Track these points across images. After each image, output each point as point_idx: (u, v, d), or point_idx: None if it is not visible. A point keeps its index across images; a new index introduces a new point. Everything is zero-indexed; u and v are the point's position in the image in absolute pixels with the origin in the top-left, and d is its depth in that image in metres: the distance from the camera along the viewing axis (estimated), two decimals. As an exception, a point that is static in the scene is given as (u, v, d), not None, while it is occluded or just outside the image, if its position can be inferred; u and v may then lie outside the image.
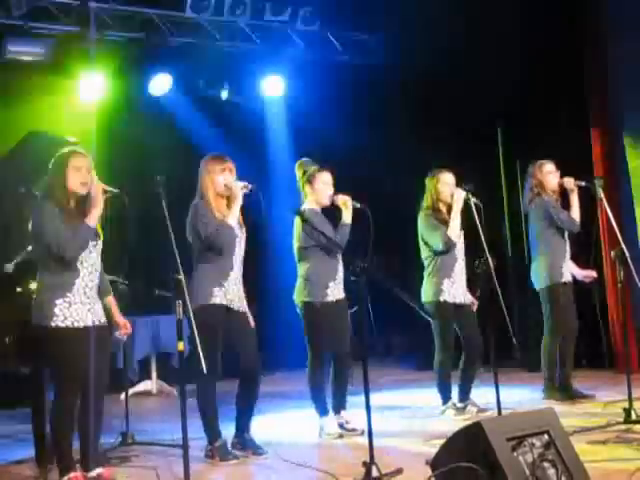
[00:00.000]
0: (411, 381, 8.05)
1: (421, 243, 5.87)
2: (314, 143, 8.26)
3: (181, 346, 3.95)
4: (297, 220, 5.27)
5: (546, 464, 3.29)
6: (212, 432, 4.81)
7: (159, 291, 7.18)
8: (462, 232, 5.80)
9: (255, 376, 4.88)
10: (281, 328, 8.51)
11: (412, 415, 6.04)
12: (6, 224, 6.90)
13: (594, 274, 6.39)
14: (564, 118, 7.66)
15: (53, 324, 4.13)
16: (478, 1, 7.65)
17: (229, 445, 4.85)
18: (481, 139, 8.22)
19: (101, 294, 4.45)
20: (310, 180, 5.40)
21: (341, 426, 5.33)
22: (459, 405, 5.75)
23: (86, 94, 8.45)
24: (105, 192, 4.27)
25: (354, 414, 5.31)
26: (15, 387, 6.32)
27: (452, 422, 5.38)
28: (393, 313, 8.13)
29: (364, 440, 4.16)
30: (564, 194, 6.18)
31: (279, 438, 5.29)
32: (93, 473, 4.26)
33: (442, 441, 3.51)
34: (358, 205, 5.33)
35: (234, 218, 4.78)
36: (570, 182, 6.04)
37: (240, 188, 4.78)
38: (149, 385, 8.06)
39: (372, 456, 4.01)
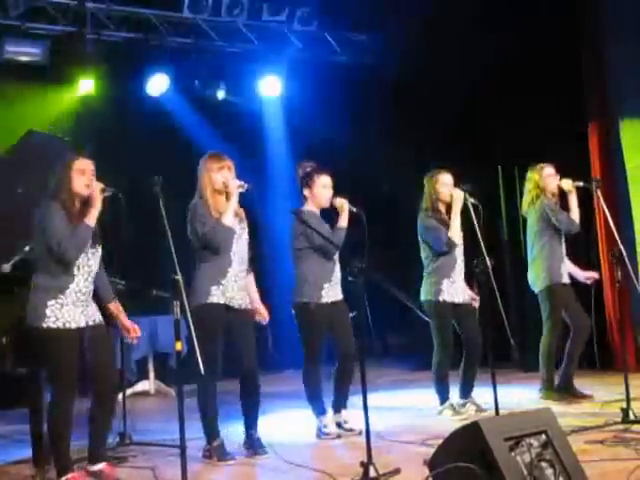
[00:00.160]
0: (409, 381, 8.05)
1: (421, 243, 5.87)
2: (311, 143, 8.27)
3: (179, 346, 3.95)
4: (293, 220, 5.28)
5: (544, 464, 3.29)
6: (211, 432, 4.81)
7: (157, 291, 7.17)
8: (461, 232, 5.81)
9: (253, 375, 4.88)
10: (287, 327, 8.56)
11: (410, 415, 6.04)
12: (3, 224, 6.90)
13: (595, 275, 6.39)
14: (561, 119, 7.66)
15: (45, 325, 4.18)
16: (476, 1, 7.65)
17: (239, 444, 4.86)
18: (480, 139, 8.21)
19: (104, 300, 4.51)
20: (309, 183, 5.40)
21: (339, 426, 5.34)
22: (459, 404, 5.75)
23: (83, 94, 8.47)
24: (103, 191, 4.29)
25: (352, 414, 5.31)
26: (12, 387, 6.31)
27: (450, 422, 5.38)
28: (391, 313, 8.15)
29: (362, 440, 4.16)
30: (563, 196, 6.18)
31: (278, 438, 5.28)
32: (95, 468, 4.32)
33: (440, 441, 3.51)
34: (354, 209, 5.33)
35: (230, 216, 4.78)
36: (568, 183, 6.06)
37: (236, 187, 4.79)
38: (147, 385, 8.05)
39: (370, 456, 4.02)
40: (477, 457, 3.21)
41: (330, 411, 5.39)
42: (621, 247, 5.43)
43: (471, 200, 5.53)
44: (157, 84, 8.58)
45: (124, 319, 4.59)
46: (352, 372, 5.39)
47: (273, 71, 9.12)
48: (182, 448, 3.79)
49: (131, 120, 8.47)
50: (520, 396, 6.35)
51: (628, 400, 5.00)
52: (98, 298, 4.52)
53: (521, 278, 8.17)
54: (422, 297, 5.82)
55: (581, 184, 6.04)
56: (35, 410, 4.65)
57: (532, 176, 6.20)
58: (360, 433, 4.96)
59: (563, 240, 6.14)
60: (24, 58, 7.68)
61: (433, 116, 8.30)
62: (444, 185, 5.79)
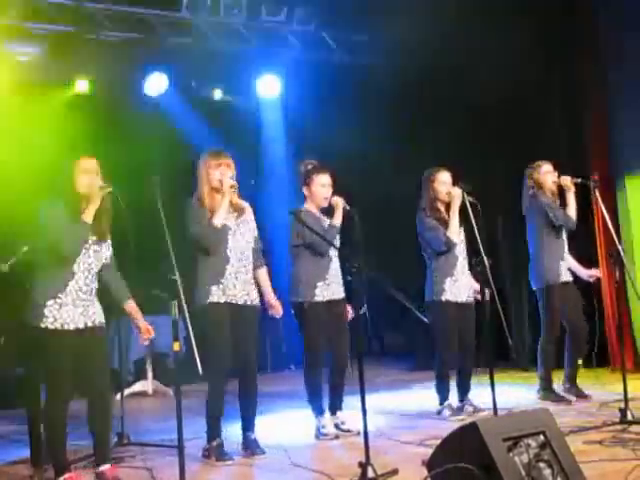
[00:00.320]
0: (407, 381, 8.04)
1: (421, 243, 5.87)
2: (310, 143, 8.27)
3: (177, 346, 3.95)
4: (291, 220, 5.28)
5: (542, 464, 3.29)
6: (211, 431, 4.82)
7: (155, 291, 7.17)
8: (462, 229, 5.80)
9: (250, 374, 4.88)
10: (287, 327, 8.56)
11: (408, 415, 6.03)
12: (3, 223, 6.90)
13: (598, 274, 6.37)
14: (560, 117, 7.66)
15: (43, 325, 4.19)
16: (475, 2, 7.65)
17: (237, 444, 4.86)
18: (479, 139, 8.21)
19: (118, 301, 4.52)
20: (308, 181, 5.41)
21: (337, 427, 5.34)
22: (456, 405, 5.75)
23: (82, 94, 8.47)
24: (101, 189, 4.30)
25: (350, 414, 5.31)
26: (10, 387, 6.31)
27: (448, 422, 5.38)
28: (389, 313, 8.15)
29: (360, 440, 4.16)
30: (562, 194, 6.18)
31: (276, 438, 5.28)
32: (98, 470, 4.34)
33: (438, 441, 3.51)
34: (347, 207, 5.33)
35: (220, 216, 4.77)
36: (567, 180, 6.05)
37: (229, 186, 4.79)
38: (145, 385, 8.05)
39: (368, 456, 4.01)
40: (475, 458, 3.21)
41: (327, 412, 5.39)
42: (619, 247, 5.42)
43: (469, 198, 5.51)
44: (155, 84, 8.58)
45: (139, 320, 4.56)
46: (345, 373, 5.39)
47: (272, 71, 9.12)
48: (180, 448, 3.79)
49: (129, 120, 8.47)
50: (518, 396, 6.35)
51: (626, 400, 5.00)
52: (113, 298, 4.53)
53: (519, 275, 8.21)
54: (426, 297, 5.81)
55: (579, 180, 6.04)
56: (33, 410, 4.65)
57: (530, 173, 6.20)
58: (358, 434, 4.96)
59: (564, 237, 6.11)
60: (23, 57, 7.67)
61: (432, 116, 8.30)
62: (442, 184, 5.79)
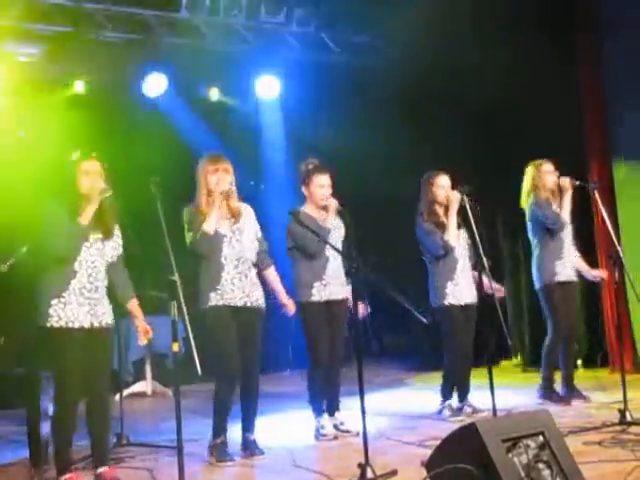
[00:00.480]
0: (406, 381, 8.05)
1: (421, 247, 5.88)
2: (309, 144, 8.27)
3: (176, 347, 3.94)
4: (290, 221, 5.29)
5: (541, 465, 3.29)
6: (216, 429, 4.83)
7: (154, 292, 7.17)
8: (463, 231, 5.80)
9: (252, 375, 4.88)
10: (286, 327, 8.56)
11: (407, 416, 6.03)
12: (2, 224, 6.89)
13: (603, 275, 6.34)
14: (560, 117, 7.66)
15: (48, 324, 4.21)
16: (474, 2, 7.65)
17: (234, 445, 4.86)
18: (478, 139, 8.22)
19: (121, 299, 4.52)
20: (307, 181, 5.41)
21: (336, 427, 5.34)
22: (456, 406, 5.75)
23: (81, 94, 8.46)
24: (101, 192, 4.29)
25: (349, 415, 5.31)
26: (10, 388, 6.30)
27: (447, 423, 5.38)
28: (388, 314, 8.15)
29: (359, 441, 4.15)
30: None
31: (275, 439, 5.29)
32: (97, 471, 4.34)
33: (437, 442, 3.51)
34: (339, 208, 5.35)
35: (211, 223, 4.77)
36: (565, 181, 6.04)
37: (219, 193, 4.78)
38: (144, 386, 8.05)
39: (367, 457, 4.01)
40: (474, 458, 3.21)
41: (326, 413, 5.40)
42: (618, 248, 5.42)
43: (468, 201, 5.49)
44: (154, 84, 8.57)
45: (139, 320, 4.55)
46: (339, 373, 5.39)
47: (271, 72, 9.12)
48: (179, 449, 3.79)
49: (128, 121, 8.46)
50: (518, 397, 6.35)
51: (625, 401, 5.00)
52: (117, 297, 4.53)
53: (518, 275, 8.23)
54: (430, 302, 5.84)
55: (577, 183, 6.03)
56: (32, 410, 4.65)
57: (530, 172, 6.20)
58: (357, 434, 4.96)
59: (562, 237, 6.08)
60: (22, 58, 7.67)
61: (432, 117, 8.30)
62: (441, 187, 5.79)
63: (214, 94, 9.31)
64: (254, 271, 4.97)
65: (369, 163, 8.99)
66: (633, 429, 4.78)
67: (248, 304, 4.87)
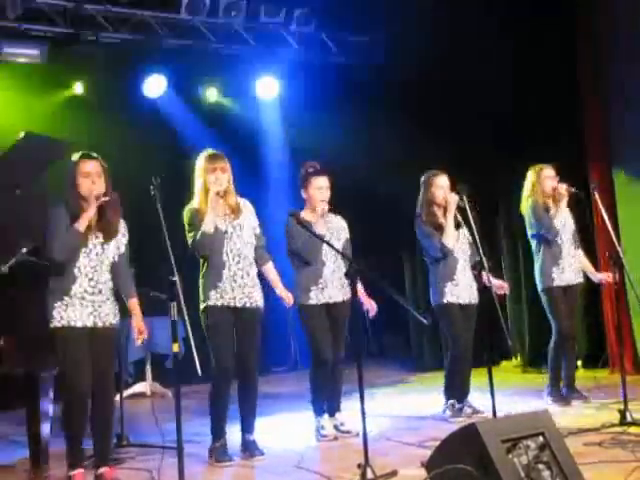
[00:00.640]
0: (406, 382, 8.05)
1: (421, 248, 5.90)
2: (309, 144, 8.26)
3: (176, 348, 3.95)
4: (289, 222, 5.29)
5: (541, 466, 3.29)
6: (215, 432, 4.84)
7: (154, 292, 7.16)
8: (462, 231, 5.80)
9: (250, 376, 4.89)
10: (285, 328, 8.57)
11: (407, 417, 6.03)
12: (2, 224, 6.88)
13: (609, 279, 6.30)
14: (559, 119, 7.66)
15: (52, 325, 4.27)
16: (474, 3, 7.66)
17: (234, 446, 4.87)
18: (478, 140, 8.22)
19: (123, 296, 4.51)
20: (305, 185, 5.42)
21: (336, 428, 5.34)
22: (456, 407, 5.75)
23: (81, 95, 8.47)
24: (97, 198, 4.29)
25: (348, 416, 5.31)
26: (9, 388, 6.29)
27: (447, 424, 5.38)
28: (387, 314, 8.12)
29: (359, 442, 4.15)
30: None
31: (275, 440, 5.29)
32: (97, 472, 4.36)
33: (437, 443, 3.51)
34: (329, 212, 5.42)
35: (209, 224, 4.78)
36: (562, 188, 6.03)
37: (214, 192, 4.79)
38: (144, 387, 8.04)
39: (367, 458, 4.01)
40: (474, 459, 3.21)
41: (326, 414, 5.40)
42: (619, 249, 5.42)
43: (466, 202, 5.47)
44: (154, 85, 8.58)
45: (136, 319, 4.53)
46: (341, 374, 5.40)
47: (270, 72, 9.12)
48: (179, 449, 3.79)
49: (128, 121, 8.46)
50: (518, 397, 6.35)
51: (626, 402, 5.00)
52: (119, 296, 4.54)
53: (518, 276, 8.22)
54: (431, 301, 5.85)
55: (573, 189, 6.02)
56: (32, 411, 4.65)
57: (529, 176, 6.19)
58: (357, 435, 4.96)
59: (563, 241, 6.08)
60: (22, 59, 7.67)
61: (432, 117, 8.30)
62: (440, 188, 5.78)
63: (213, 95, 9.31)
64: (255, 270, 4.97)
65: (369, 163, 8.98)
66: (633, 430, 4.78)
67: (247, 305, 4.87)
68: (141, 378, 8.11)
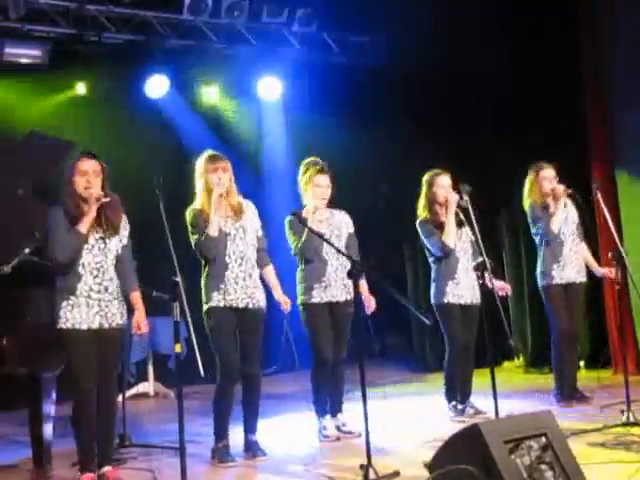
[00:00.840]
0: (408, 382, 8.04)
1: (424, 248, 5.90)
2: (311, 144, 8.25)
3: (178, 348, 3.95)
4: (289, 224, 5.30)
5: (543, 466, 3.29)
6: (217, 432, 4.84)
7: (156, 293, 7.16)
8: (465, 231, 5.79)
9: (253, 376, 4.88)
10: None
11: (410, 417, 6.03)
12: (4, 225, 6.88)
13: (611, 274, 6.30)
14: (561, 119, 7.66)
15: (58, 326, 4.27)
16: (474, 3, 7.65)
17: (236, 447, 4.86)
18: (480, 138, 8.22)
19: (125, 291, 4.48)
20: (306, 183, 5.41)
21: (338, 428, 5.34)
22: (459, 407, 5.75)
23: (83, 96, 8.47)
24: (97, 200, 4.28)
25: (351, 416, 5.31)
26: (12, 388, 6.30)
27: (450, 424, 5.38)
28: (389, 314, 8.13)
29: (361, 442, 4.15)
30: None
31: (277, 440, 5.29)
32: (100, 471, 4.36)
33: (439, 443, 3.51)
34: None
35: (213, 227, 4.77)
36: (559, 189, 6.01)
37: (218, 195, 4.78)
38: (146, 387, 8.04)
39: (369, 458, 4.01)
40: (477, 459, 3.21)
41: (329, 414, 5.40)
42: (621, 249, 5.41)
43: (467, 202, 5.46)
44: (156, 86, 8.58)
45: (138, 313, 4.49)
46: (343, 374, 5.39)
47: (272, 72, 9.12)
48: (182, 450, 3.79)
49: (131, 122, 8.47)
50: (520, 398, 6.34)
51: (628, 402, 5.00)
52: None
53: (520, 275, 8.22)
54: (431, 300, 5.84)
55: (570, 191, 6.01)
56: (34, 411, 4.65)
57: (529, 176, 6.19)
58: (359, 435, 4.96)
59: (563, 240, 6.07)
60: (24, 60, 7.68)
61: (434, 116, 8.29)
62: (441, 187, 5.78)
63: (215, 95, 9.31)
64: (257, 272, 4.97)
65: (370, 163, 8.98)
66: (636, 430, 4.78)
67: (250, 305, 4.87)
68: (143, 378, 8.11)
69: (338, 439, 5.25)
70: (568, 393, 6.01)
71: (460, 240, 5.80)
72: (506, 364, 8.49)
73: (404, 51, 8.45)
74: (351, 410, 5.34)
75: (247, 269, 4.89)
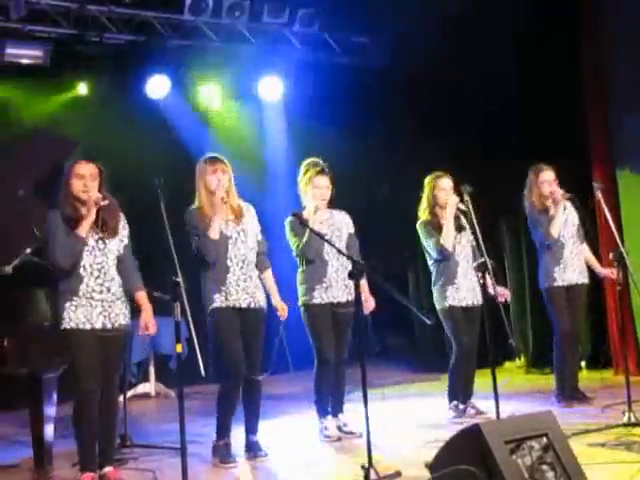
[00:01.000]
0: (409, 382, 8.04)
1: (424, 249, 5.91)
2: (312, 145, 8.25)
3: (179, 348, 3.95)
4: (293, 222, 5.29)
5: (545, 467, 3.29)
6: (220, 430, 4.83)
7: (157, 293, 7.16)
8: (465, 234, 5.79)
9: (253, 377, 4.88)
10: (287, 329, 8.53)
11: (410, 417, 6.03)
12: (5, 225, 6.89)
13: (613, 275, 6.29)
14: (563, 120, 7.65)
15: (62, 326, 4.27)
16: (474, 4, 7.65)
17: (237, 447, 4.86)
18: (482, 140, 8.21)
19: (129, 291, 4.48)
20: (305, 184, 5.41)
21: (339, 429, 5.34)
22: (460, 408, 5.75)
23: (84, 96, 8.47)
24: (96, 204, 4.28)
25: (352, 416, 5.31)
26: (13, 388, 6.30)
27: (451, 425, 5.38)
28: (390, 315, 8.13)
29: (362, 443, 4.15)
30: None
31: (278, 441, 5.29)
32: (101, 471, 4.36)
33: (441, 444, 3.50)
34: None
35: (215, 229, 4.77)
36: (558, 193, 6.00)
37: (220, 198, 4.78)
38: (147, 387, 8.04)
39: (370, 459, 4.01)
40: (478, 460, 3.21)
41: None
42: (622, 249, 5.41)
43: (466, 203, 5.44)
44: (157, 86, 8.57)
45: (145, 313, 4.48)
46: (344, 375, 5.39)
47: (273, 73, 9.11)
48: (183, 450, 3.79)
49: (131, 122, 8.46)
50: (521, 398, 6.34)
51: (630, 403, 4.99)
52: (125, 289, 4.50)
53: (521, 277, 8.21)
54: (435, 304, 5.84)
55: (568, 195, 6.01)
56: (36, 413, 4.66)
57: (529, 177, 6.19)
58: (360, 436, 4.96)
59: (564, 241, 6.06)
60: (26, 60, 7.68)
61: (436, 117, 8.29)
62: (442, 189, 5.79)
63: (216, 95, 9.30)
64: (257, 273, 4.97)
65: (373, 163, 8.98)
66: (637, 431, 4.78)
67: (252, 305, 4.88)
68: (145, 379, 8.12)
69: (339, 439, 5.25)
70: (569, 393, 6.01)
71: (460, 244, 5.80)
72: (507, 364, 8.49)
73: (404, 52, 8.45)
74: (352, 410, 5.34)
75: (248, 272, 4.89)
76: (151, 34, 8.21)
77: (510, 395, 6.28)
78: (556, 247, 6.04)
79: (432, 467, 3.44)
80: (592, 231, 6.47)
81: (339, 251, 4.91)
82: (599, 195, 5.74)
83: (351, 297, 5.31)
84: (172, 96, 8.71)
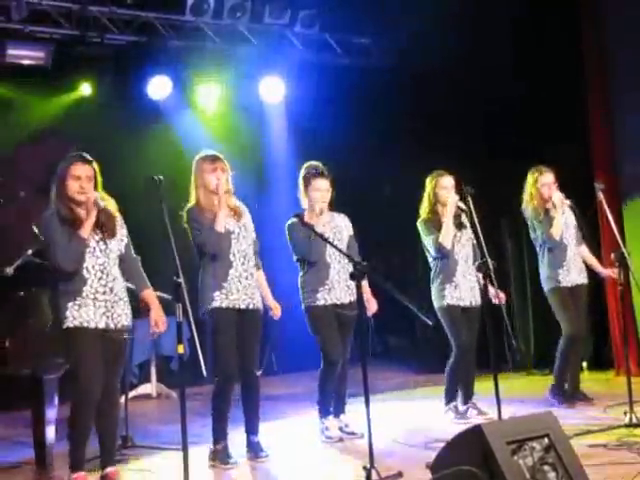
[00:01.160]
0: (411, 383, 8.03)
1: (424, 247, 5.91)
2: (313, 146, 8.26)
3: (181, 349, 3.95)
4: (295, 224, 5.29)
5: (546, 467, 3.29)
6: (216, 434, 4.82)
7: (159, 293, 7.16)
8: (465, 233, 5.79)
9: (253, 377, 4.89)
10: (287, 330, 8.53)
11: (412, 418, 6.03)
12: (6, 226, 6.90)
13: (614, 275, 6.28)
14: (565, 120, 7.65)
15: (65, 325, 4.25)
16: (474, 4, 7.65)
17: (238, 448, 4.86)
18: (483, 140, 8.21)
19: (136, 289, 4.48)
20: (305, 186, 5.41)
21: (341, 429, 5.34)
22: (461, 409, 5.74)
23: (86, 97, 8.48)
24: (95, 204, 4.28)
25: (353, 417, 5.31)
26: (14, 389, 6.31)
27: (452, 425, 5.37)
28: (392, 315, 8.14)
29: (364, 443, 4.15)
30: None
31: (279, 441, 5.28)
32: (103, 472, 4.35)
33: (442, 444, 3.50)
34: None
35: (221, 222, 4.77)
36: (557, 198, 6.00)
37: (224, 191, 4.78)
38: (149, 388, 8.04)
39: (372, 459, 4.00)
40: (480, 461, 3.20)
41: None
42: (623, 249, 5.41)
43: (467, 203, 5.45)
44: (159, 87, 8.58)
45: (154, 311, 4.46)
46: (347, 375, 5.39)
47: (275, 74, 9.12)
48: (185, 451, 3.79)
49: (133, 123, 8.48)
50: (523, 399, 6.33)
51: (631, 403, 4.99)
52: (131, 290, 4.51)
53: (523, 277, 8.21)
54: (433, 302, 5.84)
55: (568, 202, 6.01)
56: (37, 413, 4.66)
57: (528, 180, 6.19)
58: (362, 436, 4.96)
59: (566, 243, 6.07)
60: (27, 61, 7.69)
61: (437, 118, 8.29)
62: (444, 188, 5.80)
63: (218, 96, 9.30)
64: (254, 271, 4.97)
65: (374, 164, 8.98)
66: (639, 431, 4.77)
67: (251, 306, 4.88)
68: (146, 379, 8.11)
69: (341, 440, 5.25)
70: (571, 394, 6.01)
71: (459, 243, 5.80)
72: (509, 364, 8.48)
73: (406, 52, 8.46)
74: (353, 411, 5.34)
75: (249, 268, 4.90)
76: (152, 35, 8.22)
77: (512, 395, 6.28)
78: (559, 249, 6.04)
79: (433, 468, 3.43)
80: (592, 232, 6.47)
81: (342, 253, 4.92)
82: (601, 195, 5.74)
83: (353, 298, 5.30)
84: (173, 97, 8.72)
